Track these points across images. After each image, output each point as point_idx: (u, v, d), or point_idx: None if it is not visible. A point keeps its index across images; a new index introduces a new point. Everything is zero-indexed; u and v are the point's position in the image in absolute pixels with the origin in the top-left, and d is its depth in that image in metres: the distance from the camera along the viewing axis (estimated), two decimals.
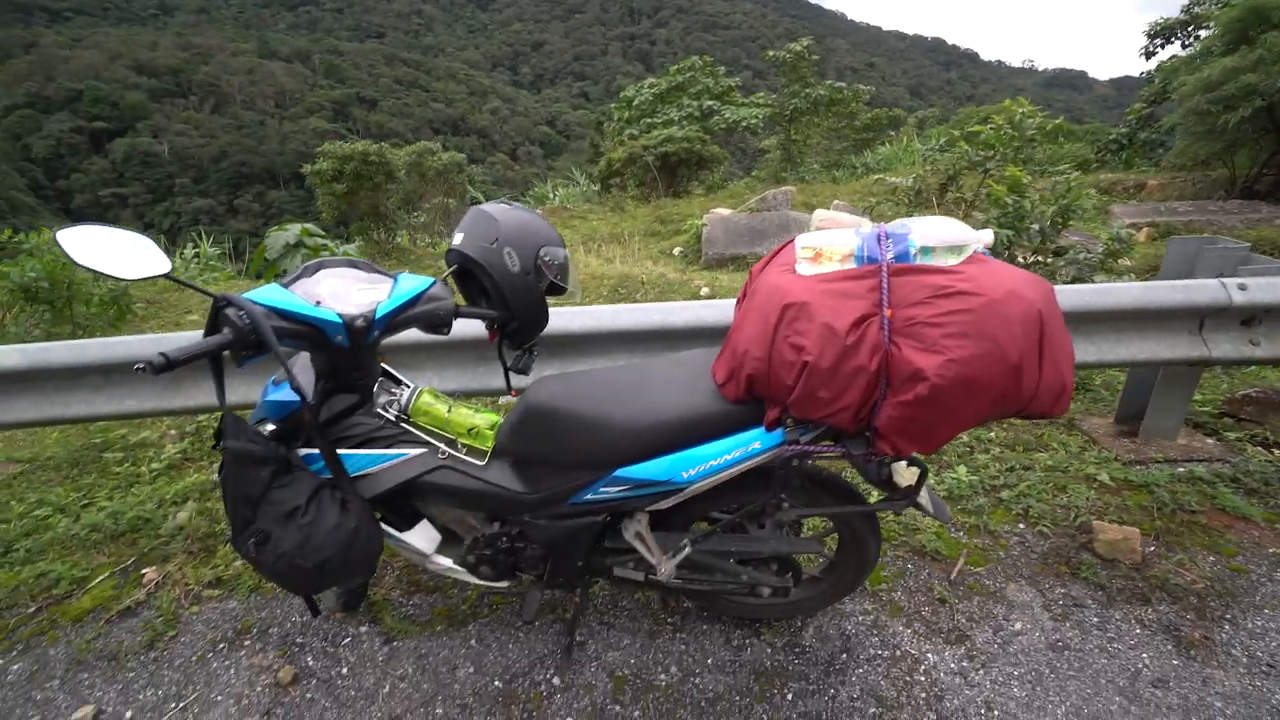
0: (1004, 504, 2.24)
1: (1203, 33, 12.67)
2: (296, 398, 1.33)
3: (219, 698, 1.61)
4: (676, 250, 7.39)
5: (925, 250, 1.08)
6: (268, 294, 1.21)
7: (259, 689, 1.62)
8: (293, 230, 4.04)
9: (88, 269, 1.12)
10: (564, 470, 1.36)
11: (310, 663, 1.69)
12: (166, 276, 1.18)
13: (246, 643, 1.77)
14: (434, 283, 1.37)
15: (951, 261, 1.08)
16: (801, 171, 14.77)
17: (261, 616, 1.86)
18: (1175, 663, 1.63)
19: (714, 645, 1.71)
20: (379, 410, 1.42)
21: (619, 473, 1.29)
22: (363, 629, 1.79)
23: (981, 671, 1.62)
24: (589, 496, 1.35)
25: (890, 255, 1.08)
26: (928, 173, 5.29)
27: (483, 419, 1.43)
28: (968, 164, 4.79)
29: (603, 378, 1.39)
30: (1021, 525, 2.13)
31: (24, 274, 3.68)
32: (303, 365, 1.39)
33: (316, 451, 1.35)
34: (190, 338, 1.97)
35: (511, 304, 1.38)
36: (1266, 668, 1.61)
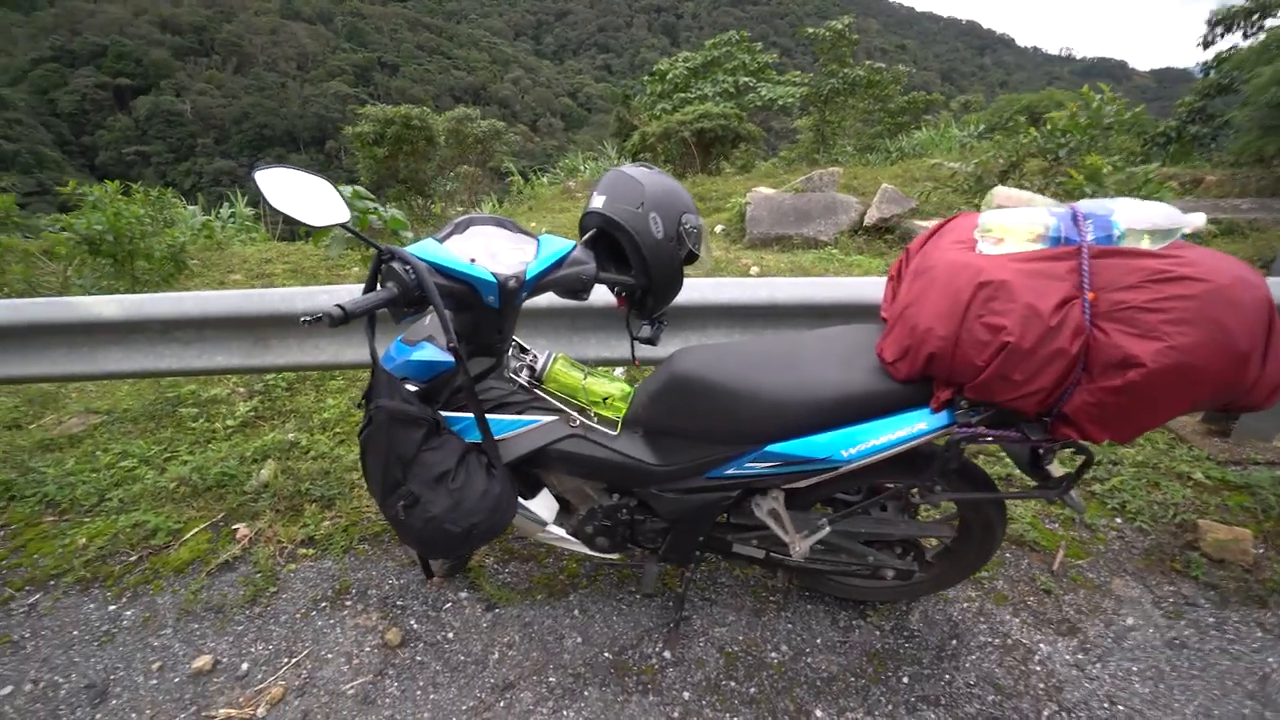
0: (1097, 497, 2.18)
1: (1269, 21, 12.15)
2: (441, 357, 1.30)
3: (329, 655, 1.62)
4: (718, 228, 7.28)
5: (1129, 233, 1.02)
6: (427, 249, 1.18)
7: (368, 649, 1.63)
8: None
9: (282, 212, 1.09)
10: (705, 443, 1.33)
11: (415, 626, 1.69)
12: (344, 226, 1.16)
13: (348, 603, 1.78)
14: (574, 246, 1.33)
15: (1156, 246, 1.02)
16: (834, 153, 14.48)
17: (358, 578, 1.86)
18: None
19: (821, 625, 1.69)
20: (511, 375, 1.39)
21: (771, 448, 1.25)
22: (462, 594, 1.79)
23: (1099, 665, 1.59)
24: (730, 471, 1.32)
25: (1090, 237, 1.03)
26: (989, 158, 5.14)
27: (616, 387, 1.40)
28: (1035, 150, 4.64)
29: (753, 349, 1.35)
30: (1119, 520, 2.09)
31: (89, 226, 3.68)
32: (435, 326, 1.36)
33: (459, 414, 1.33)
34: (348, 290, 1.96)
35: (652, 271, 1.34)
36: None
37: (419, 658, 1.60)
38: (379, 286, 1.18)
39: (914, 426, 1.19)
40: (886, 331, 1.21)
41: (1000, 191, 1.13)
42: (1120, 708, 1.48)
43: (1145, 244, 1.02)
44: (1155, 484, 2.25)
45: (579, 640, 1.65)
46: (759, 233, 6.52)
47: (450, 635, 1.66)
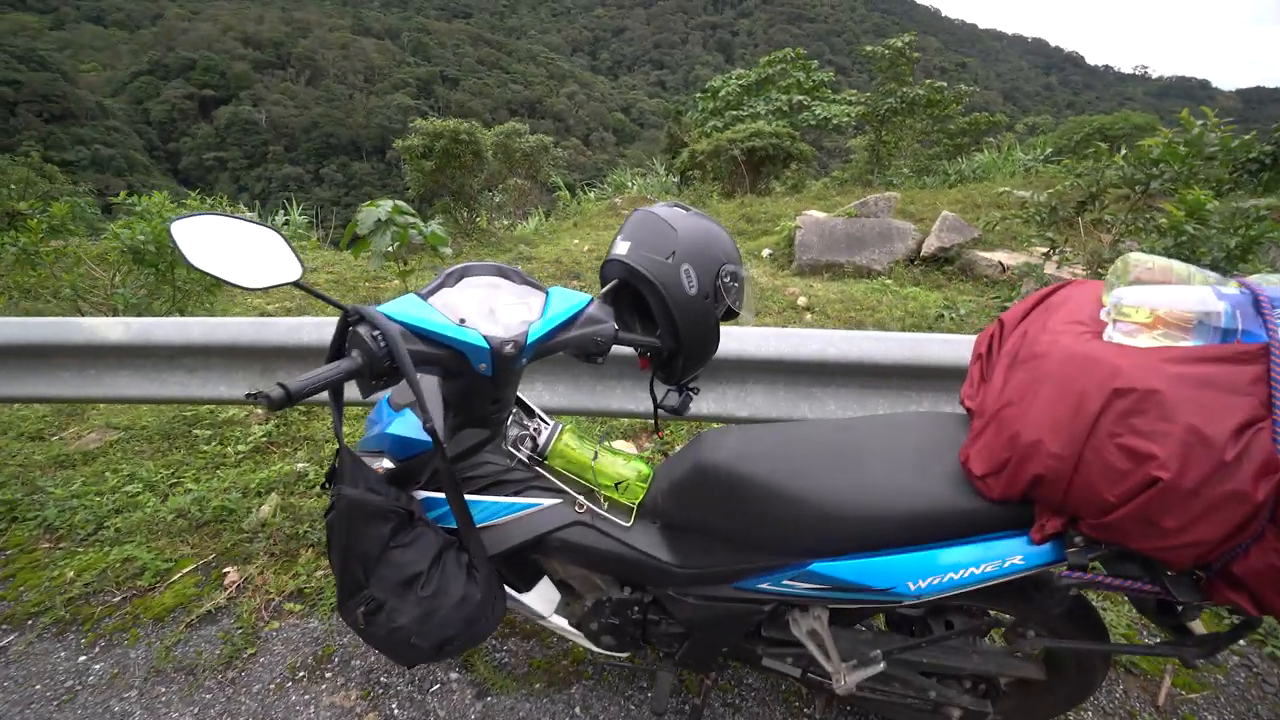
0: (1214, 610, 1.82)
1: None
2: (418, 434, 1.11)
3: None
4: (765, 252, 7.01)
5: None
6: (405, 308, 0.99)
7: None
8: (385, 206, 3.94)
9: (207, 273, 0.92)
10: (735, 548, 1.09)
11: (396, 711, 1.49)
12: (296, 284, 0.98)
13: (327, 675, 1.59)
14: (590, 301, 1.12)
15: None
16: (889, 175, 13.99)
17: (343, 643, 1.68)
18: None
19: None
20: (511, 448, 1.18)
21: (815, 566, 1.00)
22: (452, 675, 1.58)
23: None
24: (763, 586, 1.07)
25: None
26: (1066, 187, 4.72)
27: (632, 469, 1.17)
28: (1118, 180, 4.22)
29: (800, 436, 1.10)
30: (1243, 644, 1.72)
31: (134, 236, 3.71)
32: (427, 391, 1.17)
33: (438, 495, 1.14)
34: (311, 359, 1.83)
35: (681, 332, 1.11)
36: None
37: None
38: (343, 353, 1.00)
39: (1007, 560, 0.92)
40: (975, 433, 0.94)
41: (1138, 258, 0.88)
42: None
43: None
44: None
45: None
46: (808, 259, 6.23)
47: None
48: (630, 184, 13.52)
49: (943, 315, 4.53)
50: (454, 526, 1.09)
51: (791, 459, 1.03)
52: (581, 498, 1.17)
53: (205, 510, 2.18)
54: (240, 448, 2.59)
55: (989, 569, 0.92)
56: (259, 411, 2.90)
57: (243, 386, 1.99)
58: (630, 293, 1.17)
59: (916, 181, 13.85)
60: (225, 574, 1.92)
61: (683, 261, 1.08)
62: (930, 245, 6.32)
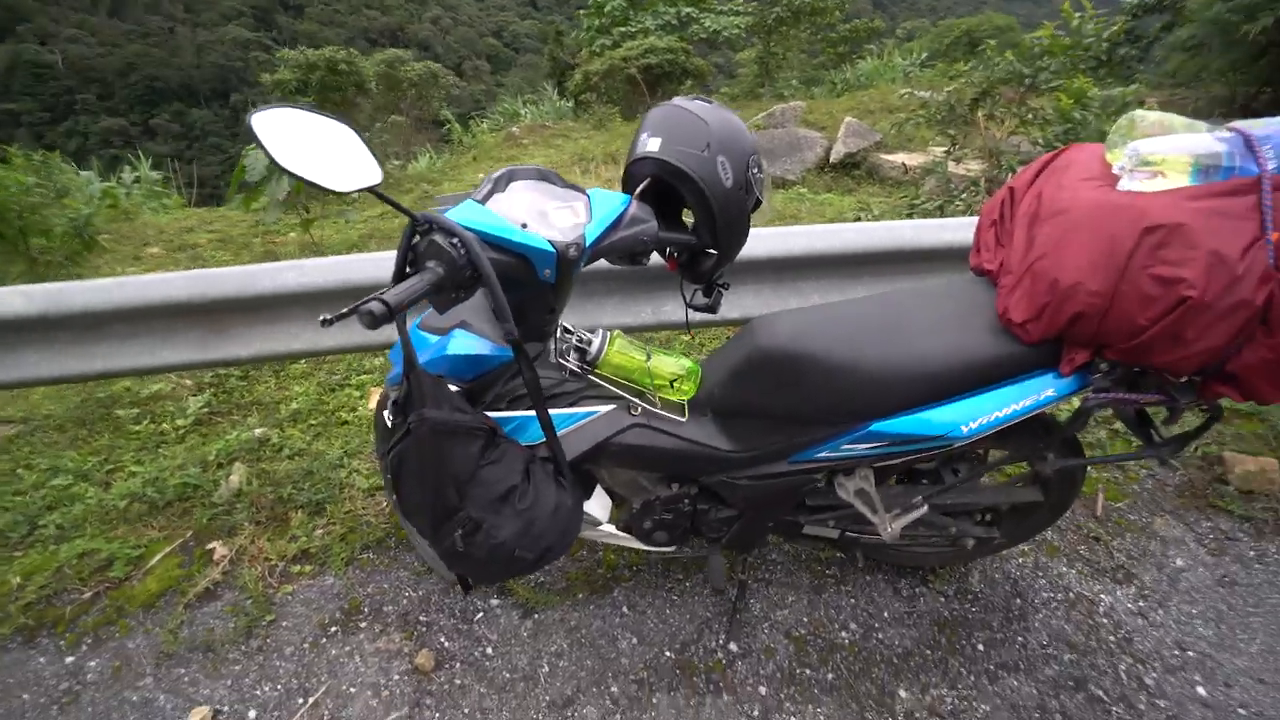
0: (1120, 435, 2.16)
1: None
2: (490, 350, 1.07)
3: (353, 690, 1.41)
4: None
5: None
6: (470, 215, 0.93)
7: (397, 677, 1.44)
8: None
9: (293, 174, 0.82)
10: (794, 424, 1.16)
11: (447, 644, 1.50)
12: (372, 190, 0.89)
13: (362, 625, 1.56)
14: (629, 200, 1.10)
15: None
16: (779, 87, 14.10)
17: (369, 593, 1.64)
18: None
19: (884, 597, 1.60)
20: (559, 360, 1.16)
21: (876, 426, 1.09)
22: (493, 602, 1.60)
23: (1161, 611, 1.57)
24: (823, 454, 1.16)
25: (1272, 165, 0.87)
26: (961, 84, 5.01)
27: (682, 367, 1.19)
28: (1007, 76, 4.54)
29: (848, 312, 1.16)
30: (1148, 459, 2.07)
31: None
32: (467, 308, 1.11)
33: (507, 414, 1.11)
34: (325, 264, 1.73)
35: (719, 225, 1.12)
36: None
37: (459, 681, 1.42)
38: (411, 265, 0.93)
39: (1042, 394, 1.05)
40: (1009, 288, 1.04)
41: (1142, 115, 0.98)
42: (1191, 653, 1.46)
43: None
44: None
45: (634, 641, 1.50)
46: None
47: (489, 651, 1.48)
48: (523, 111, 12.77)
49: (859, 218, 4.76)
50: (527, 443, 1.08)
51: (844, 332, 1.10)
52: (636, 400, 1.19)
53: (164, 491, 1.98)
54: (180, 423, 2.35)
55: (1026, 403, 1.05)
56: (189, 382, 2.62)
57: (192, 349, 1.79)
58: (657, 192, 1.15)
59: (806, 92, 14.03)
60: (211, 550, 1.79)
61: (718, 154, 1.08)
62: (838, 152, 6.54)
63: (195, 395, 2.52)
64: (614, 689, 1.40)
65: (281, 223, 5.02)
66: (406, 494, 1.03)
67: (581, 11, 17.03)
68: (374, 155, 0.92)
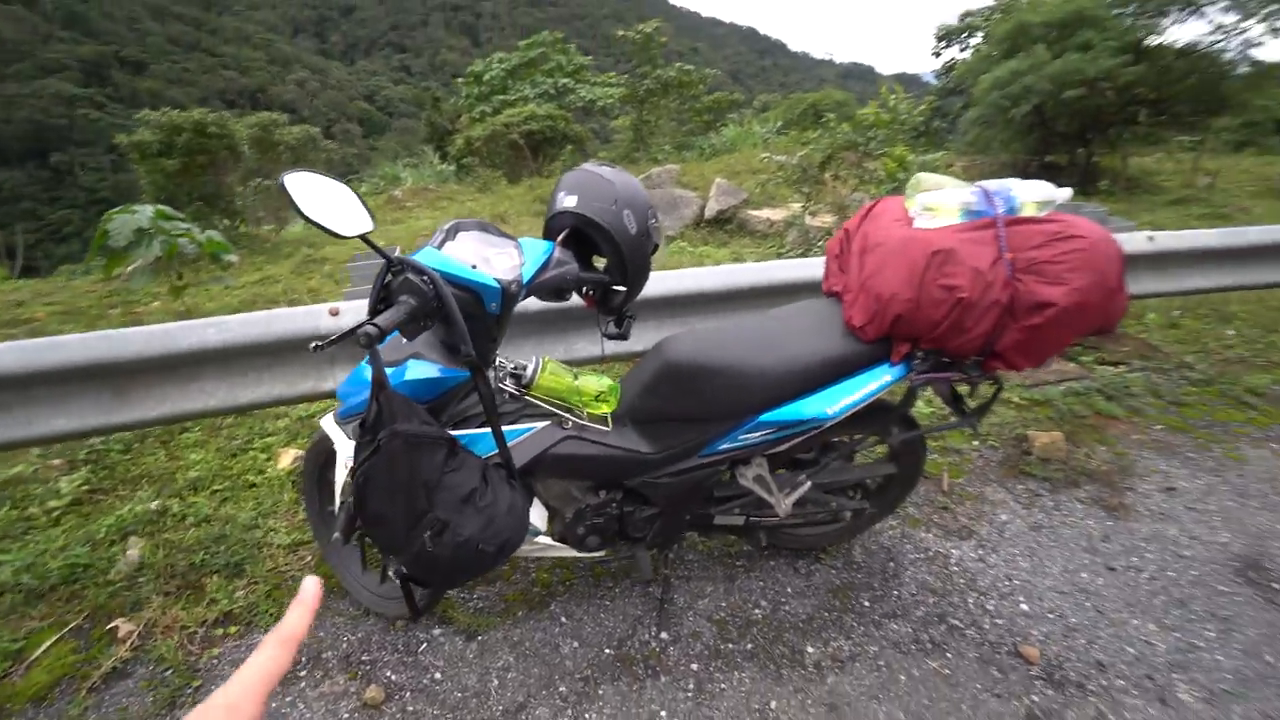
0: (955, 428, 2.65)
1: (972, 40, 15.21)
2: (448, 373, 1.22)
3: None
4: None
5: (1024, 205, 1.30)
6: (431, 258, 1.10)
7: (347, 716, 1.46)
8: (144, 212, 3.43)
9: (314, 222, 0.96)
10: (700, 423, 1.40)
11: (394, 677, 1.55)
12: (363, 238, 1.04)
13: (301, 674, 1.56)
14: (553, 247, 1.32)
15: (1041, 213, 1.31)
16: (653, 152, 15.21)
17: (304, 644, 1.64)
18: (1110, 524, 2.10)
19: (786, 576, 1.86)
20: (499, 385, 1.33)
21: (764, 417, 1.36)
22: (435, 632, 1.67)
23: (994, 555, 1.96)
24: (724, 445, 1.41)
25: (1003, 209, 1.29)
26: (811, 151, 5.85)
27: (604, 384, 1.41)
28: (846, 144, 5.39)
29: (733, 330, 1.45)
30: (975, 442, 2.56)
31: None
32: (419, 342, 1.26)
33: (462, 432, 1.25)
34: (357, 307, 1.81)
35: (629, 266, 1.37)
36: (1164, 517, 2.14)
37: (411, 708, 1.47)
38: (383, 301, 1.09)
39: (881, 379, 1.38)
40: (850, 302, 1.39)
41: (925, 176, 1.36)
42: (1016, 582, 1.85)
43: (1034, 212, 1.30)
44: (992, 411, 2.78)
45: (575, 645, 1.63)
46: None
47: (438, 675, 1.54)
48: (403, 175, 12.76)
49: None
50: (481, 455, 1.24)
51: (732, 345, 1.38)
52: (566, 415, 1.38)
53: (44, 576, 1.84)
54: (53, 504, 2.17)
55: (872, 388, 1.38)
56: (57, 462, 2.42)
57: (91, 415, 1.73)
58: (574, 239, 1.39)
59: (678, 156, 15.22)
60: (114, 629, 1.69)
61: (624, 208, 1.34)
62: (711, 209, 7.22)
63: (68, 474, 2.34)
64: (562, 689, 1.52)
65: (143, 291, 4.70)
66: (374, 507, 1.14)
67: (460, 80, 17.53)
68: (366, 208, 1.09)
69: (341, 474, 1.43)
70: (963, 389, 1.63)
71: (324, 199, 1.03)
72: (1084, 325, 1.29)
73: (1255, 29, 7.20)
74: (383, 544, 1.20)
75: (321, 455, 1.61)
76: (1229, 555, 1.98)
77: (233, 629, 1.68)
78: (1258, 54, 7.81)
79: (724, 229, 7.02)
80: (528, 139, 11.50)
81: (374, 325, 0.94)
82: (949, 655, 1.63)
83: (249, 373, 1.81)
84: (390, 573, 1.29)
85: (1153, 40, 8.06)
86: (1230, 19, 7.28)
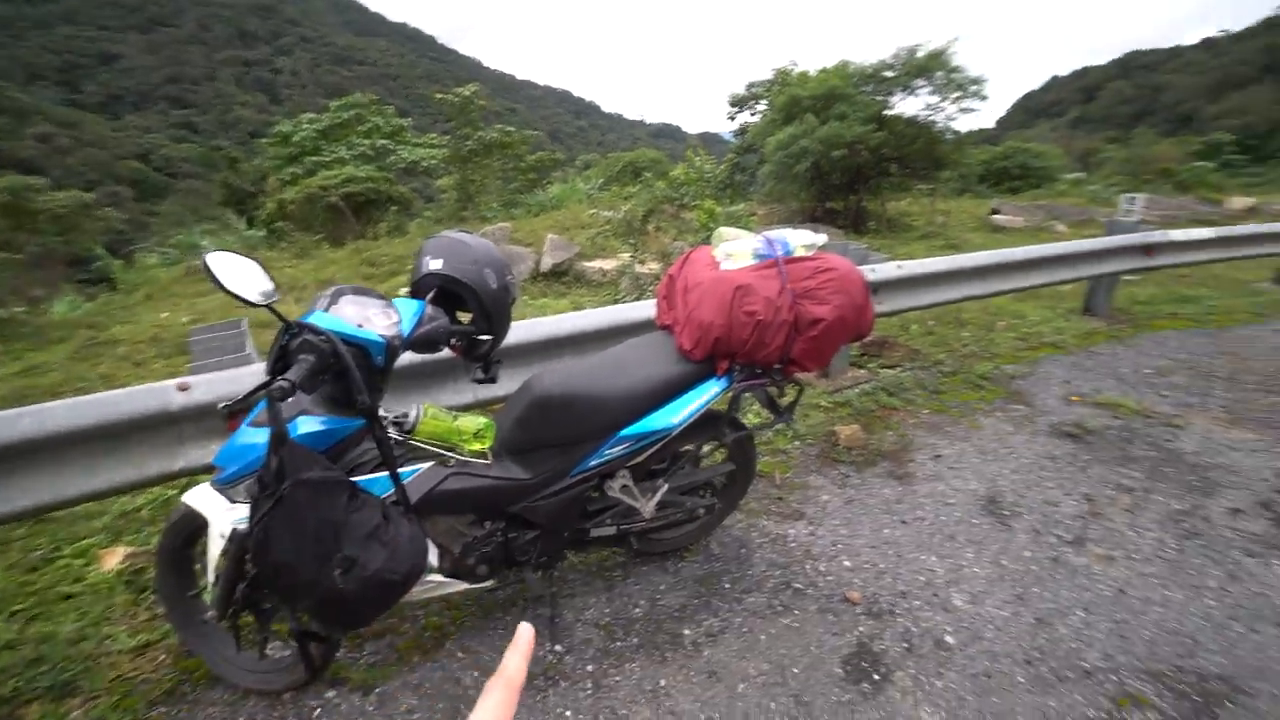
0: (779, 432, 3.14)
1: (760, 105, 17.71)
2: (342, 423, 1.30)
3: None
4: (403, 290, 7.17)
5: (797, 248, 1.74)
6: (322, 320, 1.20)
7: None
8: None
9: (233, 293, 1.02)
10: (569, 445, 1.61)
11: None
12: (267, 306, 1.11)
13: None
14: (424, 305, 1.48)
15: (809, 253, 1.76)
16: (481, 210, 15.36)
17: None
18: (900, 489, 2.67)
19: (658, 576, 2.11)
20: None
21: (623, 433, 1.62)
22: (329, 695, 1.65)
23: (821, 529, 2.39)
24: (592, 462, 1.64)
25: (780, 252, 1.71)
26: (637, 204, 6.47)
27: (481, 423, 1.57)
28: (664, 199, 6.06)
29: (588, 363, 1.69)
30: (797, 442, 3.06)
31: None
32: (298, 402, 1.33)
33: (357, 478, 1.32)
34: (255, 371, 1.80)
35: (493, 318, 1.57)
36: (935, 478, 2.76)
37: None
38: (279, 361, 1.18)
39: (711, 391, 1.72)
40: (679, 331, 1.72)
41: (725, 230, 1.73)
42: (839, 546, 2.29)
43: (803, 253, 1.75)
44: (807, 415, 3.34)
45: (476, 674, 1.71)
46: None
47: None
48: (203, 242, 11.49)
49: None
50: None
51: (593, 374, 1.63)
52: (450, 454, 1.52)
53: None
54: None
55: (705, 399, 1.71)
56: None
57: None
58: (449, 298, 1.57)
59: (506, 213, 15.53)
60: None
61: (484, 266, 1.56)
62: (546, 263, 7.56)
63: None
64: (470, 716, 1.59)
65: None
66: (277, 556, 1.17)
67: (264, 140, 16.33)
68: (270, 277, 1.23)
69: (216, 546, 1.41)
70: (775, 394, 2.04)
71: (239, 272, 1.12)
72: (847, 333, 1.76)
73: (950, 108, 9.43)
74: (286, 593, 1.23)
75: (181, 534, 1.55)
76: (978, 497, 2.62)
77: None
78: (956, 125, 10.21)
79: (561, 280, 7.36)
80: (349, 201, 11.05)
81: (286, 380, 1.04)
82: (796, 612, 1.98)
83: (80, 461, 1.66)
84: (288, 629, 1.31)
85: (888, 112, 10.14)
86: (934, 99, 9.46)
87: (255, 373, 1.87)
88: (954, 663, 1.80)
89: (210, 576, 1.44)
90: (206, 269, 1.10)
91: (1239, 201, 13.41)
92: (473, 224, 12.05)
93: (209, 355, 1.90)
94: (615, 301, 5.72)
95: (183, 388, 1.74)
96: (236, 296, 1.11)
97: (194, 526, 1.52)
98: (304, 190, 10.97)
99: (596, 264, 7.50)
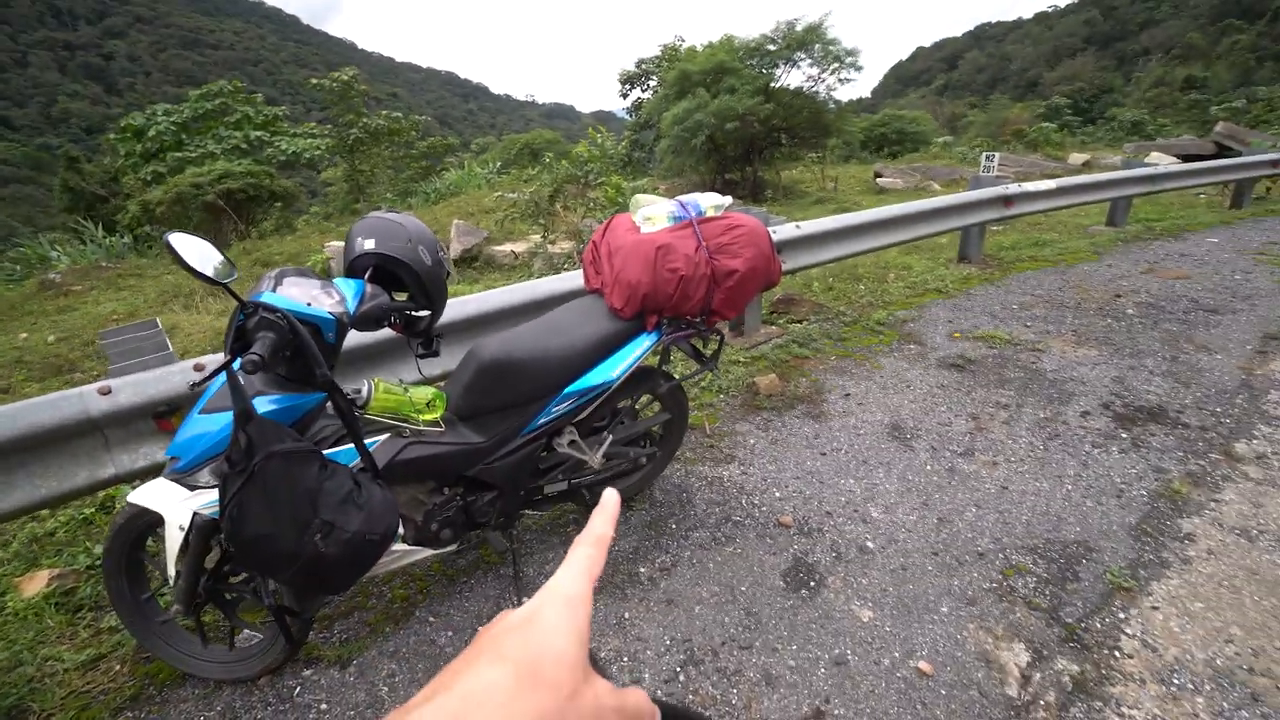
0: (704, 388, 3.37)
1: (651, 81, 17.87)
2: (303, 399, 1.32)
3: None
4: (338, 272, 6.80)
5: (708, 209, 1.90)
6: (276, 300, 1.22)
7: None
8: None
9: (197, 271, 1.03)
10: (518, 407, 1.71)
11: None
12: (225, 284, 1.12)
13: None
14: (364, 284, 1.51)
15: (718, 214, 1.93)
16: (374, 200, 14.62)
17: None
18: (817, 426, 2.97)
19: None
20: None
21: (567, 390, 1.73)
22: (306, 673, 1.67)
23: (751, 468, 2.63)
24: (541, 420, 1.74)
25: (694, 213, 1.87)
26: (542, 185, 6.45)
27: (431, 393, 1.63)
28: (568, 177, 6.10)
29: (527, 329, 1.78)
30: (721, 396, 3.30)
31: None
32: (260, 380, 1.34)
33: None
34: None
35: (430, 292, 1.63)
36: (846, 414, 3.08)
37: None
38: (237, 341, 1.20)
39: (643, 345, 1.86)
40: (609, 292, 1.85)
41: (640, 196, 1.85)
42: (769, 480, 2.54)
43: (713, 213, 1.92)
44: (727, 370, 3.57)
45: (449, 634, 1.79)
46: None
47: (324, 706, 1.57)
48: (55, 253, 10.18)
49: None
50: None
51: (533, 337, 1.73)
52: (405, 425, 1.58)
53: None
54: None
55: (638, 353, 1.85)
56: None
57: None
58: (385, 276, 1.60)
59: (402, 203, 14.91)
60: None
61: (418, 244, 1.60)
62: (455, 249, 7.40)
63: None
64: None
65: None
66: (253, 529, 1.19)
67: (110, 136, 14.58)
68: (228, 259, 1.26)
69: (174, 539, 1.40)
70: (700, 345, 2.21)
71: (199, 253, 1.13)
72: (758, 282, 1.95)
73: (830, 79, 10.03)
74: (264, 565, 1.26)
75: (131, 534, 1.51)
76: (884, 426, 2.96)
77: None
78: (837, 96, 10.89)
79: (471, 266, 7.24)
80: (228, 199, 10.19)
81: (255, 354, 1.07)
82: (737, 541, 2.20)
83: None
84: (263, 610, 1.34)
85: (774, 85, 10.64)
86: (815, 72, 10.02)
87: (182, 370, 1.81)
88: (875, 563, 2.08)
89: (171, 572, 1.43)
90: (170, 248, 1.09)
91: (1077, 157, 15.23)
92: (363, 214, 11.43)
93: (127, 357, 1.81)
94: (530, 278, 5.74)
95: (104, 391, 1.66)
96: (199, 275, 1.12)
97: (142, 526, 1.49)
98: (173, 189, 9.98)
99: (506, 247, 7.43)
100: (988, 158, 6.15)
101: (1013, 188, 5.53)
